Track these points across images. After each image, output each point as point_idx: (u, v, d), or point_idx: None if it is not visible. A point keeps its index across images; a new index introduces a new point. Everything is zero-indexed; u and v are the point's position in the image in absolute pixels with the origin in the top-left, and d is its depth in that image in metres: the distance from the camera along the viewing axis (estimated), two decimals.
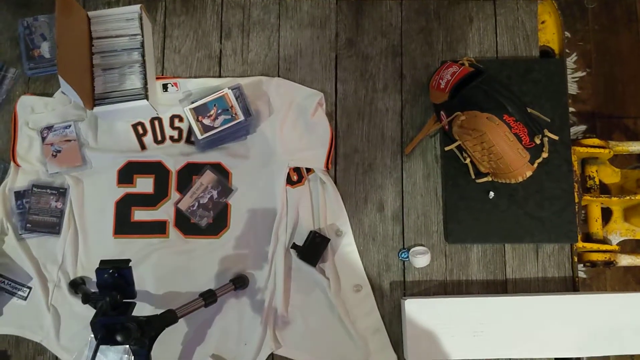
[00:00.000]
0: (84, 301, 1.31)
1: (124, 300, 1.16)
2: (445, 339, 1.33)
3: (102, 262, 1.15)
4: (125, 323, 1.13)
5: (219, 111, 1.43)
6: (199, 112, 1.43)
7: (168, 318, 1.24)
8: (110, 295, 1.12)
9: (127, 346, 1.38)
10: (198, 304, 1.33)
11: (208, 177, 1.48)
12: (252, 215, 1.46)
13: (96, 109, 1.40)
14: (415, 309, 1.34)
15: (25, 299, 1.42)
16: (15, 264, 1.43)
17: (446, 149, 1.39)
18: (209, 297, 1.35)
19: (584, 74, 1.87)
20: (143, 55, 1.43)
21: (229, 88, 1.45)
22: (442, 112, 1.39)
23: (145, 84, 1.41)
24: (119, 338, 1.12)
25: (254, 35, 1.55)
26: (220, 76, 1.54)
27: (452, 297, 1.38)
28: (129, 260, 1.15)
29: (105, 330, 1.13)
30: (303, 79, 1.52)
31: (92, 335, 1.35)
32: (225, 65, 1.54)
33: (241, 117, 1.43)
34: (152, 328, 1.18)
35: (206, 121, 1.43)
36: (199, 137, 1.42)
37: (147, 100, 1.40)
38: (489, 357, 1.35)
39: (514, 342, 1.34)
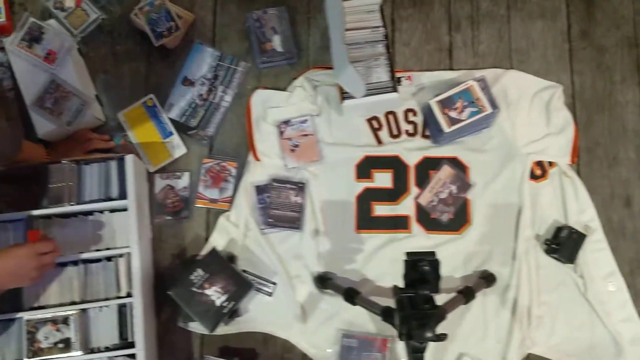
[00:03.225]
0: (348, 299, 1.28)
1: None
2: None
3: (408, 254, 1.12)
4: (431, 318, 1.10)
5: (465, 103, 1.40)
6: (445, 104, 1.40)
7: (439, 315, 1.21)
8: (424, 289, 1.09)
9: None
10: (459, 300, 1.30)
11: (446, 171, 1.45)
12: (493, 211, 1.43)
13: (345, 103, 1.38)
14: None
15: (270, 294, 1.40)
16: (259, 260, 1.41)
17: None
18: (468, 294, 1.32)
19: None
20: (388, 48, 1.41)
21: (473, 80, 1.42)
22: None
23: (393, 76, 1.39)
24: (427, 334, 1.09)
25: (483, 27, 1.52)
26: (451, 69, 1.51)
27: None
28: (434, 253, 1.12)
29: (410, 326, 1.10)
30: (537, 71, 1.49)
31: (343, 332, 1.34)
32: (456, 57, 1.51)
33: (488, 109, 1.40)
34: None
35: (452, 114, 1.40)
36: (446, 130, 1.39)
37: (398, 93, 1.37)
38: None
39: None
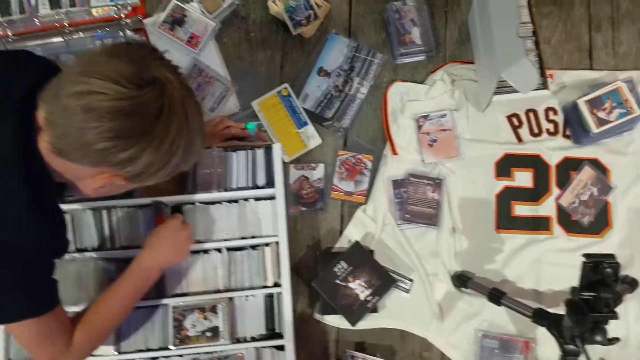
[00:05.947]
0: (493, 299, 1.25)
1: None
2: None
3: (586, 255, 1.09)
4: (606, 322, 1.08)
5: (614, 104, 1.37)
6: (593, 104, 1.37)
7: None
8: (606, 292, 1.07)
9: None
10: None
11: (587, 173, 1.42)
12: (634, 215, 1.40)
13: (495, 98, 1.35)
14: None
15: (408, 291, 1.37)
16: (395, 255, 1.39)
17: None
18: (617, 299, 1.29)
19: None
20: (537, 44, 1.38)
21: (621, 81, 1.39)
22: None
23: (543, 73, 1.36)
24: (598, 338, 1.07)
25: (624, 28, 1.49)
26: (591, 68, 1.48)
27: None
28: (614, 255, 1.09)
29: (584, 328, 1.08)
30: None
31: (482, 332, 1.32)
32: (596, 57, 1.48)
33: (637, 111, 1.37)
34: None
35: (601, 114, 1.37)
36: (594, 130, 1.36)
37: (548, 89, 1.35)
38: None
39: None
